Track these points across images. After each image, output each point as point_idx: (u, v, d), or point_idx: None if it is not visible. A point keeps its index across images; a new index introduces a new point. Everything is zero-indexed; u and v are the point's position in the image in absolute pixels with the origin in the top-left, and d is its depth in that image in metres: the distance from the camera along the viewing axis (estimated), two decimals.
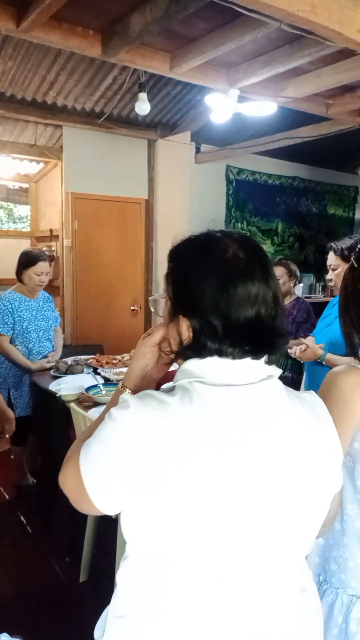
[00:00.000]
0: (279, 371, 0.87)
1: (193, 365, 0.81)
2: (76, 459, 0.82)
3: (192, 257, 0.87)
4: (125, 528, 0.80)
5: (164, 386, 0.89)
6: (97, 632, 0.94)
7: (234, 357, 0.80)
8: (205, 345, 0.80)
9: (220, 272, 0.81)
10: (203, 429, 0.76)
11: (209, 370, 0.80)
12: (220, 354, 0.80)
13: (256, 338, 0.80)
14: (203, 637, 0.79)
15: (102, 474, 0.78)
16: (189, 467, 0.74)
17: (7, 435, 2.68)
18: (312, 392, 0.90)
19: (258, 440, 0.78)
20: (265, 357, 0.83)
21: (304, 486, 0.81)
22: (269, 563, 0.81)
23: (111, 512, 0.80)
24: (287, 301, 3.31)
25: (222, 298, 0.79)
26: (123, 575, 0.86)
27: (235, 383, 0.80)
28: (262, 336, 0.81)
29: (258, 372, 0.82)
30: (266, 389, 0.82)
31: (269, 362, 0.84)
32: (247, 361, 0.81)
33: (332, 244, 2.35)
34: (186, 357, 0.83)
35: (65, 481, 0.87)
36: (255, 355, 0.81)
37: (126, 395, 0.81)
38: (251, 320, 0.80)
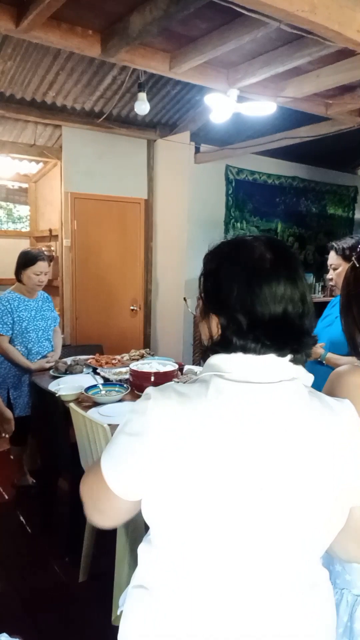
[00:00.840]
0: (308, 376, 0.88)
1: (218, 360, 0.86)
2: (97, 460, 0.89)
3: (222, 258, 0.90)
4: (144, 511, 0.85)
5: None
6: (121, 600, 1.00)
7: (257, 353, 0.83)
8: (232, 341, 0.84)
9: (246, 272, 0.85)
10: (217, 421, 0.80)
11: (231, 365, 0.84)
12: (245, 350, 0.83)
13: (281, 335, 0.83)
14: (211, 612, 0.83)
15: (119, 460, 0.84)
16: (201, 457, 0.78)
17: (6, 436, 2.69)
18: (346, 401, 0.89)
19: (268, 436, 0.80)
20: (290, 357, 0.85)
21: (315, 486, 0.81)
22: (276, 554, 0.82)
23: (127, 497, 0.85)
24: None
25: (248, 296, 0.83)
26: (144, 550, 0.91)
27: (254, 380, 0.82)
28: (287, 333, 0.83)
29: (280, 372, 0.84)
30: (285, 389, 0.83)
31: (294, 362, 0.85)
32: (271, 360, 0.83)
33: (333, 244, 2.35)
34: (215, 353, 0.87)
35: (84, 483, 0.93)
36: (280, 351, 0.84)
37: (149, 389, 0.87)
38: (276, 318, 0.83)
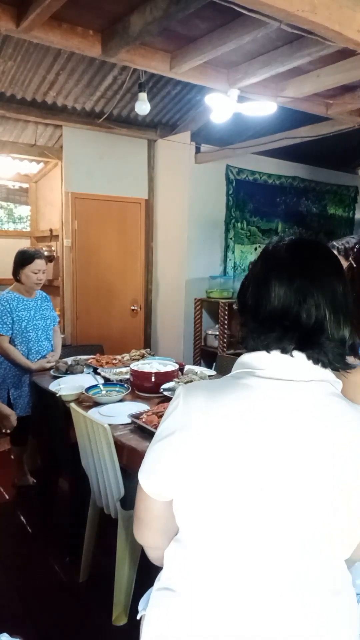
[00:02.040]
0: (337, 381, 0.88)
1: (249, 358, 0.87)
2: None
3: (252, 262, 0.94)
4: (175, 510, 0.87)
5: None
6: (141, 605, 1.01)
7: (267, 350, 0.85)
8: (246, 339, 0.88)
9: (265, 274, 0.88)
10: (249, 416, 0.81)
11: (263, 363, 0.85)
12: (264, 348, 0.85)
13: (292, 335, 0.84)
14: (240, 614, 0.83)
15: (152, 462, 0.87)
16: (231, 452, 0.80)
17: (7, 431, 2.68)
18: None
19: (300, 433, 0.81)
20: (314, 359, 0.85)
21: (340, 489, 0.81)
22: (301, 559, 0.82)
23: (160, 498, 0.87)
24: None
25: (262, 297, 0.86)
26: (172, 554, 0.91)
27: (284, 378, 0.84)
28: (298, 333, 0.84)
29: (310, 372, 0.85)
30: (317, 389, 0.84)
31: (322, 365, 0.86)
32: (300, 360, 0.84)
33: (334, 243, 2.34)
34: (246, 351, 0.90)
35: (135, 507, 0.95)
36: (285, 351, 0.84)
37: (179, 389, 0.89)
38: (286, 318, 0.84)
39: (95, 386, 2.72)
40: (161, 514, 0.89)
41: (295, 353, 0.84)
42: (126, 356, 3.33)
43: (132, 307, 5.37)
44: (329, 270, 0.89)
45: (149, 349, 3.62)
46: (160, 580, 0.92)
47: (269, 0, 1.91)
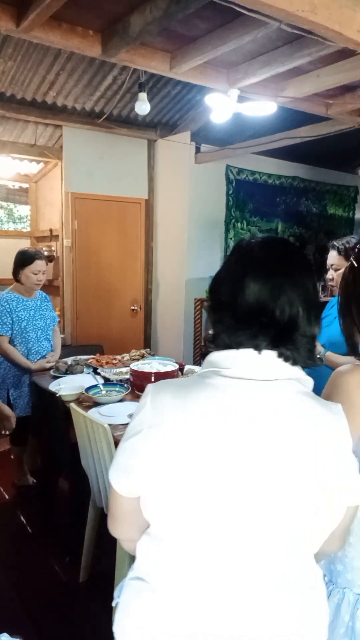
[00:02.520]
0: (308, 379, 0.88)
1: (216, 356, 0.87)
2: None
3: (226, 258, 0.95)
4: (142, 506, 0.88)
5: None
6: (116, 592, 1.02)
7: (239, 347, 0.84)
8: (219, 336, 0.87)
9: (240, 270, 0.88)
10: (213, 416, 0.81)
11: (229, 362, 0.85)
12: (236, 345, 0.85)
13: (264, 333, 0.84)
14: (207, 606, 0.84)
15: (120, 459, 0.87)
16: (196, 450, 0.80)
17: (6, 433, 2.68)
18: (339, 405, 0.90)
19: (263, 432, 0.81)
20: (285, 357, 0.85)
21: (307, 485, 0.82)
22: (273, 550, 0.83)
23: (129, 495, 0.88)
24: None
25: (234, 292, 0.86)
26: (144, 546, 0.92)
27: (251, 377, 0.84)
28: (274, 330, 0.84)
29: (277, 370, 0.85)
30: (282, 387, 0.84)
31: (293, 363, 0.86)
32: (268, 359, 0.84)
33: (335, 243, 2.34)
34: (213, 349, 0.90)
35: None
36: (258, 349, 0.84)
37: (148, 386, 0.89)
38: (263, 315, 0.84)
39: (95, 386, 2.72)
40: (132, 509, 0.89)
41: (266, 351, 0.84)
42: (126, 356, 3.33)
43: (132, 307, 5.37)
44: (301, 268, 0.90)
45: (149, 349, 3.62)
46: (134, 570, 0.94)
47: (269, 0, 1.91)
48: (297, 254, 0.93)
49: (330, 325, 2.34)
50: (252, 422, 0.81)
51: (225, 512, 0.81)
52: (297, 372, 0.87)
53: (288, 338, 0.84)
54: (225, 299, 0.87)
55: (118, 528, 0.97)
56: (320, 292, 6.10)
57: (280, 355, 0.85)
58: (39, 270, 3.14)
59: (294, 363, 0.86)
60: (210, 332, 0.90)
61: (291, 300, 0.85)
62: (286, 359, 0.85)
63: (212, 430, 0.81)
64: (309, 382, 0.89)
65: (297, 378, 0.87)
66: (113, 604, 0.98)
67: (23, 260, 3.13)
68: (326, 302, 2.64)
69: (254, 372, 0.84)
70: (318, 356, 2.20)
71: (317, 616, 0.90)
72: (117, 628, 0.92)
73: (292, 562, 0.85)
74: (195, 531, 0.82)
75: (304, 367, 0.89)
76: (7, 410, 2.65)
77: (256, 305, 0.84)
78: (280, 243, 0.94)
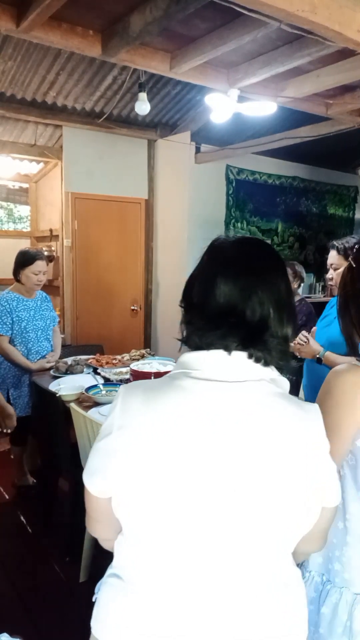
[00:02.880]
0: (282, 379, 0.88)
1: (187, 357, 0.87)
2: None
3: (200, 259, 0.93)
4: (113, 506, 0.87)
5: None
6: (97, 588, 1.02)
7: (209, 348, 0.84)
8: (190, 337, 0.87)
9: (211, 270, 0.87)
10: (180, 418, 0.81)
11: (199, 363, 0.85)
12: (206, 346, 0.84)
13: (234, 334, 0.83)
14: (180, 605, 0.84)
15: (92, 460, 0.87)
16: (163, 452, 0.80)
17: (7, 431, 2.69)
18: (316, 405, 0.89)
19: (230, 434, 0.80)
20: (256, 358, 0.84)
21: (277, 485, 0.81)
22: (245, 550, 0.82)
23: (102, 495, 0.88)
24: None
25: (208, 294, 0.85)
26: (119, 541, 0.93)
27: (219, 379, 0.83)
28: (244, 331, 0.83)
29: (247, 371, 0.84)
30: (250, 389, 0.83)
31: (265, 364, 0.85)
32: (238, 360, 0.83)
33: (335, 243, 2.34)
34: (187, 350, 0.89)
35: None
36: (228, 350, 0.83)
37: (120, 387, 0.90)
38: (232, 315, 0.83)
39: (95, 386, 2.72)
40: (106, 509, 0.89)
41: (236, 352, 0.83)
42: (126, 356, 3.33)
43: (132, 307, 5.37)
44: (273, 269, 0.89)
45: (149, 349, 3.63)
46: (112, 568, 0.95)
47: (269, 0, 1.91)
48: (270, 254, 0.92)
49: (330, 325, 2.34)
50: (218, 423, 0.80)
51: (191, 512, 0.80)
52: (270, 373, 0.86)
53: (259, 339, 0.83)
54: (197, 299, 0.87)
55: (95, 528, 0.97)
56: (321, 292, 6.11)
57: (250, 356, 0.83)
58: (39, 271, 3.14)
59: (266, 364, 0.85)
60: (184, 333, 0.89)
61: (262, 301, 0.84)
62: (257, 360, 0.84)
63: (179, 432, 0.80)
64: (284, 383, 0.88)
65: (272, 379, 0.86)
66: (93, 599, 0.99)
67: (24, 260, 3.13)
68: (326, 302, 2.64)
69: (222, 373, 0.83)
70: (317, 356, 2.21)
71: (295, 616, 0.90)
72: (94, 623, 0.93)
73: (265, 561, 0.84)
74: (161, 532, 0.82)
75: (278, 369, 0.88)
76: (9, 408, 2.66)
77: (226, 306, 0.83)
78: (253, 243, 0.93)
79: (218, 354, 0.83)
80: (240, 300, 0.83)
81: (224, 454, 0.80)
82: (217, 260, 0.89)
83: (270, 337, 0.84)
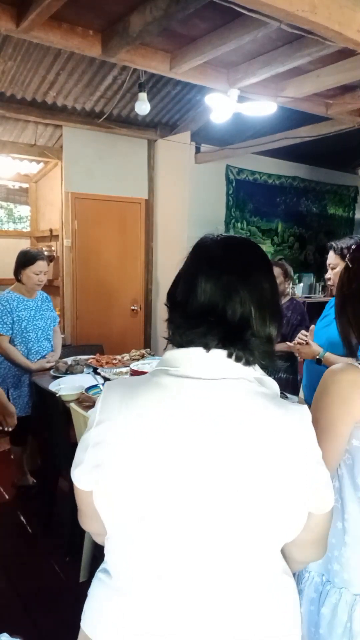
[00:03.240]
0: (267, 379, 0.86)
1: (169, 355, 0.87)
2: None
3: (186, 258, 0.94)
4: (94, 501, 0.88)
5: None
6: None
7: (189, 346, 0.84)
8: (173, 335, 0.88)
9: (193, 269, 0.88)
10: (156, 415, 0.81)
11: (176, 361, 0.85)
12: (187, 344, 0.85)
13: (216, 331, 0.82)
14: (160, 601, 0.84)
15: (77, 454, 0.88)
16: (139, 448, 0.80)
17: (9, 429, 2.69)
18: (304, 408, 0.86)
19: (205, 432, 0.80)
20: (236, 357, 0.83)
21: (253, 483, 0.79)
22: (219, 555, 0.81)
23: (86, 488, 0.88)
24: (282, 302, 3.29)
25: (190, 292, 0.85)
26: (107, 536, 0.93)
27: (195, 376, 0.82)
28: (223, 330, 0.82)
29: (225, 370, 0.83)
30: (228, 387, 0.82)
31: (246, 363, 0.84)
32: (216, 358, 0.83)
33: (333, 243, 2.35)
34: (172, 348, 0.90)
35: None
36: (207, 348, 0.83)
37: (106, 384, 0.93)
38: (212, 314, 0.83)
39: (95, 386, 2.72)
40: (91, 502, 0.90)
41: (216, 350, 0.83)
42: (126, 356, 3.33)
43: (132, 307, 5.37)
44: (257, 268, 0.88)
45: (149, 349, 3.63)
46: (104, 562, 0.95)
47: (269, 0, 1.91)
48: (254, 253, 0.92)
49: (330, 325, 2.34)
50: (192, 420, 0.80)
51: (158, 508, 0.80)
52: (252, 372, 0.85)
53: (239, 338, 0.83)
54: (180, 297, 0.87)
55: (84, 521, 0.98)
56: (321, 292, 6.11)
57: (230, 354, 0.83)
58: (40, 271, 3.15)
59: (247, 363, 0.84)
60: (169, 331, 0.90)
61: (243, 300, 0.83)
62: (238, 359, 0.83)
63: (151, 428, 0.81)
64: (271, 383, 0.87)
65: (256, 378, 0.84)
66: (88, 593, 1.00)
67: (25, 260, 3.13)
68: (326, 302, 2.64)
69: (200, 371, 0.83)
70: (317, 357, 2.20)
71: (279, 622, 0.87)
72: (84, 616, 0.96)
73: (243, 562, 0.82)
74: (133, 527, 0.83)
75: (264, 369, 0.87)
76: (10, 407, 2.66)
77: (207, 304, 0.83)
78: (237, 242, 0.93)
79: (197, 352, 0.83)
80: (220, 298, 0.83)
81: (195, 450, 0.79)
82: (200, 259, 0.89)
83: (252, 336, 0.83)
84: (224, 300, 0.83)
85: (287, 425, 0.82)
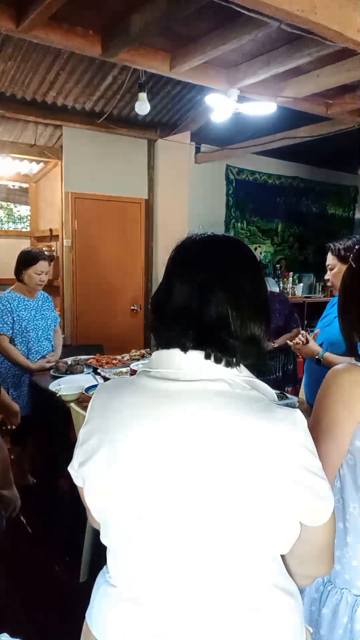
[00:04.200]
0: (253, 381, 0.84)
1: (155, 356, 0.88)
2: None
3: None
4: (85, 499, 0.90)
5: None
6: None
7: (168, 347, 0.84)
8: (154, 336, 0.89)
9: (171, 270, 0.89)
10: (125, 415, 0.83)
11: (155, 362, 0.86)
12: (166, 346, 0.85)
13: (190, 332, 0.82)
14: (145, 605, 0.84)
15: (74, 453, 0.91)
16: (117, 448, 0.82)
17: (13, 427, 2.69)
18: (296, 413, 0.80)
19: (178, 434, 0.78)
20: (215, 358, 0.81)
21: (223, 492, 0.75)
22: (205, 557, 0.77)
23: (77, 483, 0.92)
24: None
25: (167, 293, 0.86)
26: (108, 540, 0.93)
27: (171, 377, 0.82)
28: (197, 330, 0.81)
29: (202, 371, 0.81)
30: (203, 388, 0.80)
31: (227, 364, 0.82)
32: (195, 359, 0.82)
33: (330, 244, 2.35)
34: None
35: None
36: (184, 348, 0.82)
37: (98, 386, 0.96)
38: (187, 314, 0.82)
39: (95, 386, 2.71)
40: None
41: (192, 351, 0.81)
42: (126, 356, 3.33)
43: (132, 307, 5.37)
44: (236, 267, 0.86)
45: (148, 349, 3.62)
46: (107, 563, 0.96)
47: (269, 0, 1.91)
48: (237, 252, 0.90)
49: (331, 324, 2.34)
50: (165, 422, 0.79)
51: (131, 507, 0.81)
52: (236, 373, 0.82)
53: (216, 339, 0.81)
54: (159, 298, 0.88)
55: (89, 518, 0.98)
56: (321, 292, 6.12)
57: (208, 355, 0.81)
58: (42, 271, 3.15)
59: (229, 364, 0.82)
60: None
61: (219, 300, 0.81)
62: (217, 360, 0.81)
63: (125, 429, 0.82)
64: (263, 387, 0.84)
65: (248, 381, 0.82)
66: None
67: (26, 260, 3.13)
68: (326, 302, 2.64)
69: (177, 372, 0.82)
70: (317, 357, 2.20)
71: (271, 629, 0.82)
72: (88, 613, 0.99)
73: (227, 571, 0.77)
74: (112, 524, 0.85)
75: (253, 371, 0.85)
76: (14, 406, 2.66)
77: (183, 305, 0.83)
78: (217, 241, 0.90)
79: (174, 353, 0.83)
80: (195, 299, 0.82)
81: (166, 451, 0.78)
82: (176, 260, 0.90)
83: (229, 336, 0.81)
84: (199, 300, 0.82)
85: (267, 430, 0.76)
